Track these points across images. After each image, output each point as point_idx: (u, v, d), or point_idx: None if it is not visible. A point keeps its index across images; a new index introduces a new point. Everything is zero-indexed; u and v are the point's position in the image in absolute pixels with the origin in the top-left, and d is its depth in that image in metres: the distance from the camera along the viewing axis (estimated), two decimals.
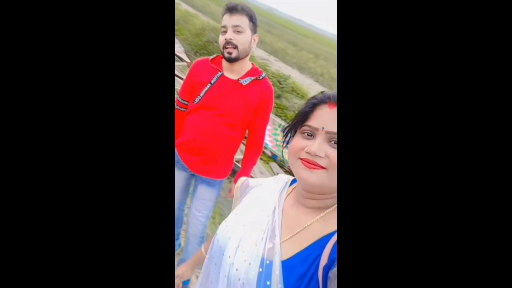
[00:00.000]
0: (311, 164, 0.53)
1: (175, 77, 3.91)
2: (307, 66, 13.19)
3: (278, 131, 5.12)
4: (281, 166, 4.36)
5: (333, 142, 0.53)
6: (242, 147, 1.83)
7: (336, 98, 0.55)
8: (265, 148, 4.04)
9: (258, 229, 0.59)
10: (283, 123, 5.29)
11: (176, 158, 1.40)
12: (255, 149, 1.46)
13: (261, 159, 3.80)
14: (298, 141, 0.57)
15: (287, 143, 0.62)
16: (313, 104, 0.57)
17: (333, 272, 0.48)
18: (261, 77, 1.33)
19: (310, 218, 0.57)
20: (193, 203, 1.48)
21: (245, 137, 1.47)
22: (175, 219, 1.62)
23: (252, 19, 1.26)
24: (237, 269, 0.56)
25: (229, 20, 1.24)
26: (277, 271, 0.53)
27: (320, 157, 0.53)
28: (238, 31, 1.24)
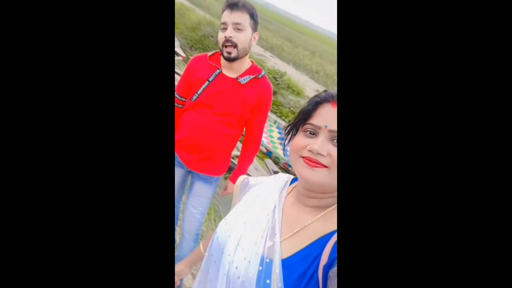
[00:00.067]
0: (313, 162, 0.53)
1: None
2: (303, 63, 13.22)
3: (274, 128, 5.12)
4: (276, 163, 4.37)
5: (335, 140, 0.53)
6: (238, 144, 1.82)
7: None
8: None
9: (258, 228, 0.59)
10: (279, 120, 5.29)
11: None
12: (252, 147, 1.45)
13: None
14: (300, 139, 0.57)
15: (289, 141, 0.61)
16: (316, 102, 0.57)
17: (333, 271, 0.48)
18: (260, 76, 1.31)
19: (311, 217, 0.57)
20: (189, 200, 1.48)
21: (243, 135, 1.47)
22: None
23: (253, 16, 1.23)
24: (236, 267, 0.56)
25: (229, 16, 1.21)
26: (277, 270, 0.53)
27: (322, 155, 0.53)
28: (238, 29, 1.21)
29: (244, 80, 1.28)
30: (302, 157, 0.55)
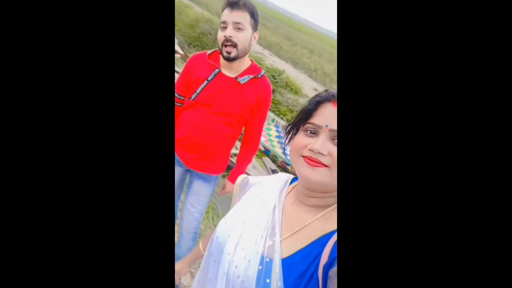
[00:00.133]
0: (313, 161, 0.54)
1: None
2: (301, 61, 13.21)
3: (272, 126, 5.12)
4: (274, 161, 4.37)
5: (336, 140, 0.54)
6: (237, 143, 1.82)
7: None
8: None
9: (258, 227, 0.59)
10: (277, 118, 5.29)
11: None
12: (251, 147, 1.45)
13: None
14: (301, 138, 0.57)
15: (289, 140, 0.61)
16: (317, 102, 0.57)
17: (333, 271, 0.48)
18: (260, 75, 1.30)
19: (311, 217, 0.57)
20: (188, 199, 1.47)
21: (241, 134, 1.47)
22: None
23: (253, 15, 1.21)
24: (236, 267, 0.56)
25: (229, 15, 1.19)
26: (277, 269, 0.53)
27: (323, 155, 0.53)
28: (238, 28, 1.19)
29: (243, 79, 1.27)
30: (303, 156, 0.55)
